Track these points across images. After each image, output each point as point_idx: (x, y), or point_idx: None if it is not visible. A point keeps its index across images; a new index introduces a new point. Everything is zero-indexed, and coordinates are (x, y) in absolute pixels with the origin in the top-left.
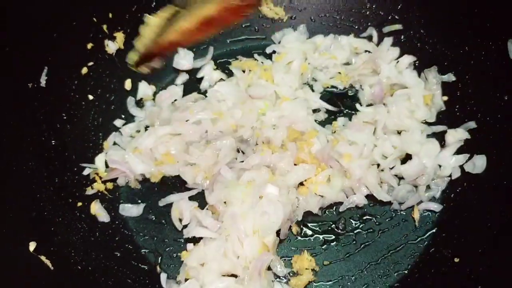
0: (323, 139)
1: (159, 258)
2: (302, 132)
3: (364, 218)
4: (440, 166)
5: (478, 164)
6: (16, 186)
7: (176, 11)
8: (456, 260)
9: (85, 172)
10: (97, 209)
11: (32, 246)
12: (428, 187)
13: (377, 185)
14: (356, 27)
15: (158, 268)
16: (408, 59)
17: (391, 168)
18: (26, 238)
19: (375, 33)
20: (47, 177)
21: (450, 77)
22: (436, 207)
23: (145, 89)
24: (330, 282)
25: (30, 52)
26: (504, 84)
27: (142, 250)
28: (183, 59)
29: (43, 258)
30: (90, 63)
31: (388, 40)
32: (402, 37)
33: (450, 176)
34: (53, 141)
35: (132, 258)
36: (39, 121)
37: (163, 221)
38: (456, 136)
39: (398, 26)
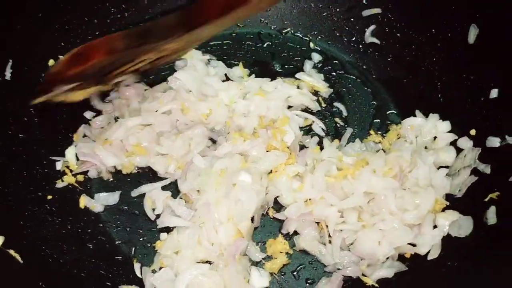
0: (295, 127)
1: (133, 249)
2: (273, 120)
3: None
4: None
5: (465, 225)
6: None
7: None
8: None
9: (57, 166)
10: (86, 202)
11: (0, 240)
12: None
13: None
14: None
15: (132, 259)
16: (449, 137)
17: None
18: None
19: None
20: (15, 171)
21: (486, 169)
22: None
23: None
24: (304, 265)
25: None
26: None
27: (116, 242)
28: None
29: (12, 252)
30: (57, 55)
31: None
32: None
33: None
34: (20, 135)
35: (105, 249)
36: (5, 115)
37: (136, 211)
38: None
39: (377, 10)
